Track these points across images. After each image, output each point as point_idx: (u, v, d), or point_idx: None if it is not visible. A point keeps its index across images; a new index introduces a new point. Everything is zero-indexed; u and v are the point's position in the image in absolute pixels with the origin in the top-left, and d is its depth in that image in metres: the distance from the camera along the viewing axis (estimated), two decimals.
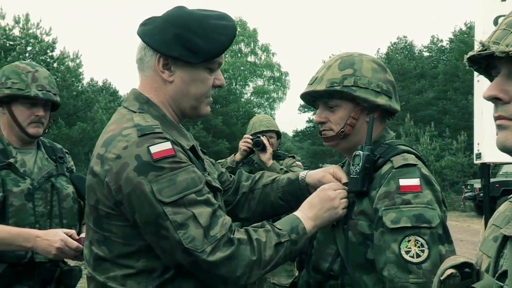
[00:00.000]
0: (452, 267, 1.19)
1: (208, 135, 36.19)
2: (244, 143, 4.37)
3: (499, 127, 1.09)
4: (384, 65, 2.02)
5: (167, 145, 1.57)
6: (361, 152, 1.83)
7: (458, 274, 1.17)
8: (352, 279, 1.80)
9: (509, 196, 1.26)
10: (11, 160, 2.61)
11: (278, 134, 4.59)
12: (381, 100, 1.90)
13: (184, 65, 1.70)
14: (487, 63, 1.14)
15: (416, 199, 1.72)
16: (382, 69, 1.97)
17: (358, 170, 1.82)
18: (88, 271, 1.70)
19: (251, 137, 4.38)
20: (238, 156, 4.42)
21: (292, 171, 4.15)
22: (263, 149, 4.29)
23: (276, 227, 1.70)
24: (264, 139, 4.31)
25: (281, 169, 4.19)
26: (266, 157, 4.27)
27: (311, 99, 2.04)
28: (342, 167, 2.11)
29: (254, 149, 4.34)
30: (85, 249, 1.73)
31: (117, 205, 1.57)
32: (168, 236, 1.52)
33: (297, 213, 1.79)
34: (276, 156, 4.45)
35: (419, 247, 1.66)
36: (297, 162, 4.51)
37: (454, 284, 1.17)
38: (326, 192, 1.84)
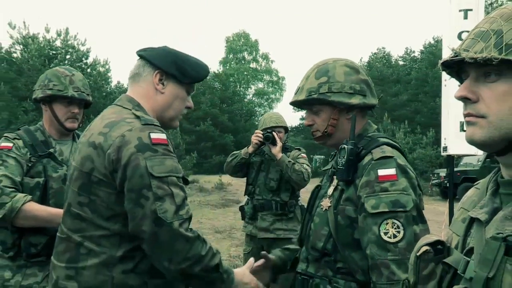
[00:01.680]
0: (426, 244, 1.17)
1: (216, 130, 36.29)
2: (256, 137, 4.21)
3: (468, 123, 1.06)
4: (357, 66, 1.97)
5: (164, 136, 1.69)
6: (346, 146, 1.81)
7: (431, 250, 1.15)
8: (343, 256, 1.79)
9: (475, 183, 1.25)
10: (51, 150, 2.66)
11: (286, 129, 4.43)
12: (355, 100, 1.87)
13: (175, 82, 1.86)
14: (458, 67, 1.11)
15: (393, 186, 1.70)
16: (354, 71, 1.92)
17: (343, 162, 1.80)
18: (62, 231, 1.73)
19: (262, 132, 4.22)
20: (250, 149, 4.27)
21: (298, 162, 4.11)
22: (273, 143, 4.13)
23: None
24: (274, 134, 4.16)
25: (289, 161, 4.07)
26: (276, 150, 4.11)
27: (299, 106, 2.04)
28: (333, 157, 2.08)
29: (265, 142, 4.18)
30: (64, 213, 1.76)
31: (111, 173, 1.62)
32: (145, 205, 1.58)
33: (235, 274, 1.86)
34: (284, 149, 4.30)
35: (395, 228, 1.65)
36: (302, 154, 4.34)
37: (428, 259, 1.15)
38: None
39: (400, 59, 43.46)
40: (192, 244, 1.63)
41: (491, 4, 26.02)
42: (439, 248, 1.16)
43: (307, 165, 4.19)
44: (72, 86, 2.68)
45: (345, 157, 1.80)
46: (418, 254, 1.18)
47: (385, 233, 1.65)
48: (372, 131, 1.95)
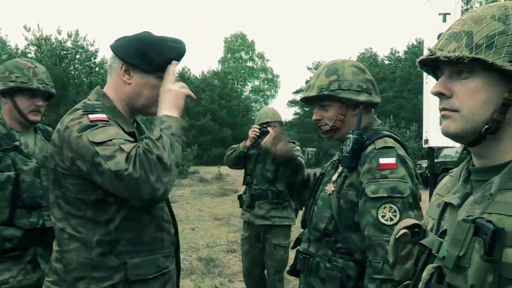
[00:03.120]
0: (404, 227, 1.19)
1: (215, 124, 36.21)
2: (253, 131, 4.20)
3: (443, 117, 1.07)
4: (363, 67, 1.99)
5: (104, 116, 1.60)
6: (351, 136, 1.83)
7: (409, 233, 1.18)
8: (343, 237, 1.80)
9: (450, 171, 1.26)
10: (17, 143, 2.43)
11: (281, 123, 4.40)
12: (362, 97, 1.89)
13: (140, 72, 1.70)
14: (434, 65, 1.12)
15: (392, 174, 1.72)
16: (361, 71, 1.95)
17: (348, 150, 1.82)
18: (53, 221, 1.71)
19: (258, 127, 4.21)
20: (248, 142, 4.26)
21: None
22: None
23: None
24: (270, 129, 4.13)
25: None
26: None
27: (308, 102, 2.03)
28: (340, 150, 2.09)
29: (261, 137, 4.12)
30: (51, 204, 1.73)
31: (72, 163, 1.56)
32: (103, 170, 1.46)
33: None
34: None
35: (392, 212, 1.67)
36: (296, 147, 4.27)
37: (406, 240, 1.17)
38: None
39: (385, 58, 43.41)
40: (155, 166, 1.46)
41: (467, 9, 26.28)
42: (416, 231, 1.18)
43: (301, 157, 4.15)
44: (37, 78, 2.44)
45: (350, 145, 1.81)
46: (397, 236, 1.20)
47: (383, 216, 1.67)
48: (377, 125, 1.97)
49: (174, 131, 1.59)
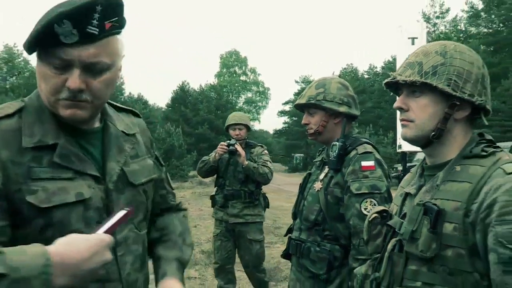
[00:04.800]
0: (376, 212, 1.37)
1: (212, 132, 36.33)
2: (221, 149, 4.00)
3: (402, 126, 1.27)
4: (347, 84, 2.15)
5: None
6: (337, 143, 2.00)
7: (379, 216, 1.36)
8: (330, 226, 1.97)
9: (411, 169, 1.45)
10: None
11: (247, 126, 4.14)
12: (342, 109, 2.05)
13: (38, 61, 1.09)
14: (396, 86, 1.31)
15: (372, 174, 1.90)
16: (345, 88, 2.11)
17: (335, 155, 1.99)
18: None
19: (226, 144, 3.99)
20: (217, 156, 4.04)
21: (262, 159, 4.03)
22: (238, 155, 3.93)
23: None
24: (237, 146, 3.95)
25: (254, 167, 3.93)
26: (241, 159, 3.92)
27: (300, 108, 2.18)
28: (322, 151, 2.24)
29: (229, 155, 3.98)
30: None
31: None
32: None
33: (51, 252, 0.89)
34: (248, 146, 4.14)
35: (373, 205, 1.84)
36: (265, 151, 4.17)
37: (377, 223, 1.36)
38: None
39: (365, 73, 43.76)
40: None
41: (434, 31, 26.88)
42: (384, 215, 1.37)
43: (270, 162, 4.08)
44: None
45: (336, 151, 1.98)
46: (369, 219, 1.38)
47: (365, 209, 1.85)
48: (355, 133, 2.15)
49: None
